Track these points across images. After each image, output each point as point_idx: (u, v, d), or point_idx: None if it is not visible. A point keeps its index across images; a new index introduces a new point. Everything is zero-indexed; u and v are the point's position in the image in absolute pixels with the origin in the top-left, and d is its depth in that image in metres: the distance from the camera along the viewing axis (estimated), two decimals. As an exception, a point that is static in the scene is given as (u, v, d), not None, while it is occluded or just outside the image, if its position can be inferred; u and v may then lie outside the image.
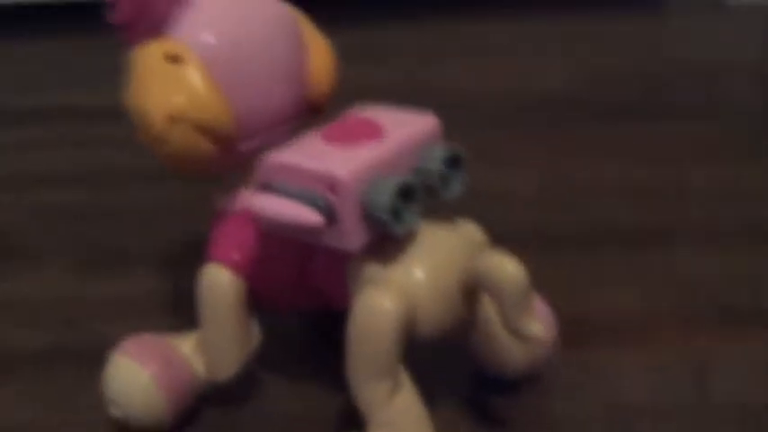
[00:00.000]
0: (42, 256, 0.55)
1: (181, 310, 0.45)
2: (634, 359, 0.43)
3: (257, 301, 0.39)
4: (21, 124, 0.78)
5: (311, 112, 0.39)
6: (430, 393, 0.38)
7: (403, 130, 0.35)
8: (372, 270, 0.34)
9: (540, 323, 0.34)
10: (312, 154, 0.34)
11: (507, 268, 0.33)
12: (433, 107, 0.77)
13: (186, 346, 0.40)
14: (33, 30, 0.91)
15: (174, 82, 0.35)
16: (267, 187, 0.34)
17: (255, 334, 0.39)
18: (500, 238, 0.52)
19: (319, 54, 0.39)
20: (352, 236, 0.33)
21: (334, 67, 0.40)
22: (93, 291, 0.50)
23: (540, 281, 0.47)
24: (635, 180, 0.62)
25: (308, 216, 0.32)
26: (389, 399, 0.33)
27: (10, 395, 0.42)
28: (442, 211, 0.37)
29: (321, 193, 0.32)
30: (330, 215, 0.32)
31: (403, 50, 0.93)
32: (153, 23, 0.36)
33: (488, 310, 0.37)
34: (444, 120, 0.68)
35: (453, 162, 0.36)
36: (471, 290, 0.35)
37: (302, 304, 0.40)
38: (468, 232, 0.37)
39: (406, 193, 0.33)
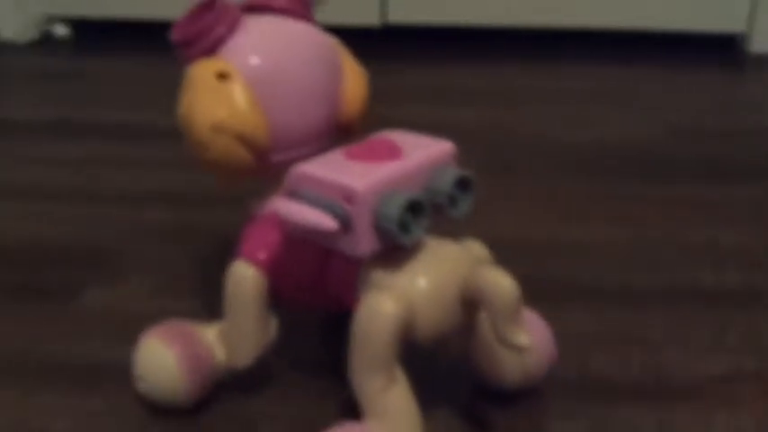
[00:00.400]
0: (133, 270, 0.58)
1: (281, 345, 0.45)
2: (710, 419, 0.43)
3: (278, 298, 0.43)
4: (123, 140, 0.81)
5: (342, 132, 0.43)
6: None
7: (419, 152, 0.39)
8: (380, 276, 0.38)
9: (527, 335, 0.37)
10: (335, 168, 0.38)
11: (499, 281, 0.36)
12: (514, 151, 0.80)
13: (210, 333, 0.44)
14: (143, 48, 0.95)
15: (220, 97, 0.39)
16: (293, 194, 0.38)
17: (274, 328, 0.43)
18: (576, 288, 0.55)
19: (353, 80, 0.43)
20: (364, 243, 0.37)
21: (365, 92, 0.44)
22: (175, 308, 0.49)
23: (618, 334, 0.50)
24: (720, 239, 0.61)
25: (325, 222, 0.36)
26: (384, 392, 0.37)
27: (96, 406, 0.45)
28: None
29: (339, 202, 0.36)
30: (345, 223, 0.36)
31: (490, 93, 0.96)
32: (208, 45, 0.40)
33: (487, 322, 0.40)
34: (525, 165, 0.69)
35: (463, 184, 0.39)
36: (470, 301, 0.38)
37: (319, 304, 0.44)
38: (472, 248, 0.40)
39: (414, 208, 0.37)
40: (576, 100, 0.93)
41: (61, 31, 1.16)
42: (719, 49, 1.09)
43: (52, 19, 1.16)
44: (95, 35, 1.14)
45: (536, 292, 0.54)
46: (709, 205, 0.67)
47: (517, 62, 1.06)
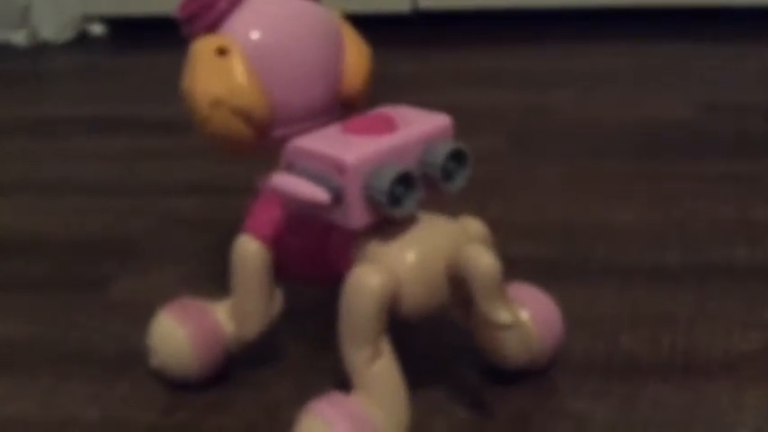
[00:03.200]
0: (164, 260, 0.59)
1: (290, 323, 0.46)
2: (741, 397, 0.42)
3: (282, 272, 0.43)
4: (157, 134, 0.83)
5: (345, 107, 0.44)
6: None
7: (414, 126, 0.39)
8: (371, 249, 0.38)
9: (511, 312, 0.36)
10: (329, 141, 0.38)
11: (480, 258, 0.36)
12: (546, 133, 0.79)
13: (221, 310, 0.45)
14: (165, 42, 0.98)
15: (220, 72, 0.40)
16: (290, 168, 0.39)
17: (280, 300, 0.44)
18: (607, 268, 0.54)
19: (355, 55, 0.43)
20: (357, 215, 0.37)
21: (368, 67, 0.44)
22: (204, 297, 0.48)
23: (649, 312, 0.49)
24: (754, 215, 0.60)
25: (317, 194, 0.37)
26: (369, 365, 0.37)
27: (126, 390, 0.46)
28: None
29: (331, 174, 0.37)
30: (337, 195, 0.37)
31: (521, 76, 0.95)
32: (210, 21, 0.41)
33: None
34: (555, 146, 0.69)
35: (458, 158, 0.39)
36: (459, 278, 0.38)
37: (322, 278, 0.44)
38: (467, 225, 0.40)
39: (405, 181, 0.37)
40: (606, 80, 0.92)
41: (97, 29, 1.19)
42: (757, 24, 1.06)
43: (89, 18, 1.19)
44: (130, 33, 1.17)
45: (567, 272, 0.55)
46: (743, 181, 0.66)
47: (548, 44, 1.05)
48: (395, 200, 0.37)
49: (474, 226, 0.40)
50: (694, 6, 1.05)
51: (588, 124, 0.79)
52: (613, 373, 0.45)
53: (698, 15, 1.06)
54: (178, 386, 0.45)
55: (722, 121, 0.78)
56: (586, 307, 0.50)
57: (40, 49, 1.17)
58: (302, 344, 0.48)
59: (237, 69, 0.40)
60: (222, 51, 0.40)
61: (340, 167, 0.36)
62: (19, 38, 1.18)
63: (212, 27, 0.41)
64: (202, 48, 0.41)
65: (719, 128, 0.77)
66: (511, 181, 0.69)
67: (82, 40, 1.19)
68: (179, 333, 0.43)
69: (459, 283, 0.38)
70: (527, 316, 0.42)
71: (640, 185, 0.66)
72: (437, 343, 0.47)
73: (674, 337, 0.47)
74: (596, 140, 0.76)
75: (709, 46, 1.01)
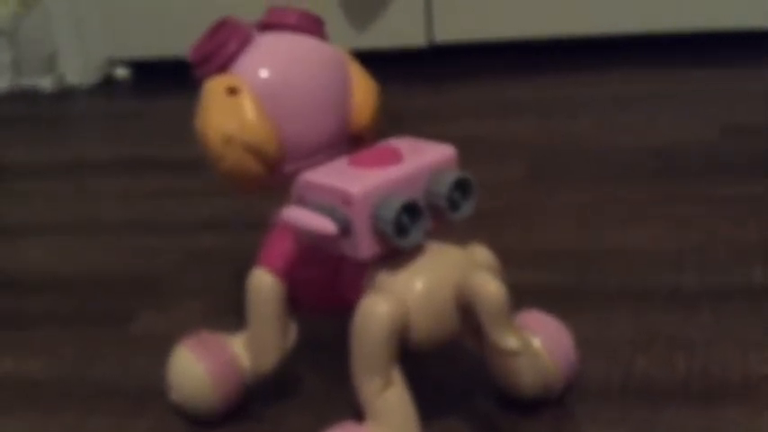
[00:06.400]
0: (187, 295, 0.60)
1: (306, 356, 0.47)
2: (759, 421, 0.42)
3: (296, 304, 0.44)
4: (177, 174, 0.84)
5: (353, 142, 0.45)
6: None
7: (419, 157, 0.40)
8: (380, 279, 0.39)
9: (518, 339, 0.37)
10: (336, 174, 0.39)
11: (487, 286, 0.36)
12: (562, 160, 0.80)
13: (237, 344, 0.45)
14: (188, 84, 1.00)
15: (231, 111, 0.41)
16: (300, 201, 0.40)
17: (294, 333, 0.45)
18: (623, 293, 0.55)
19: (362, 92, 0.45)
20: (365, 246, 0.38)
21: (375, 103, 0.45)
22: (226, 331, 0.48)
23: (665, 337, 0.49)
24: None
25: (325, 225, 0.38)
26: (380, 394, 0.38)
27: (147, 426, 0.47)
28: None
29: (339, 206, 0.38)
30: (345, 226, 0.38)
31: (538, 104, 0.96)
32: (220, 62, 0.42)
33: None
34: (571, 172, 0.68)
35: (463, 187, 0.40)
36: (467, 306, 0.38)
37: (335, 309, 0.45)
38: (474, 253, 0.40)
39: (411, 211, 0.38)
40: (621, 106, 0.92)
41: (122, 73, 1.22)
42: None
43: (113, 62, 1.22)
44: (153, 76, 1.20)
45: (583, 298, 0.55)
46: (760, 203, 0.66)
47: (562, 73, 1.06)
48: (401, 230, 0.38)
49: (481, 253, 0.41)
50: (708, 31, 1.05)
51: (605, 151, 0.80)
52: (630, 399, 0.45)
53: (712, 40, 1.06)
54: (198, 421, 0.45)
55: (739, 144, 0.78)
56: (602, 332, 0.50)
57: (66, 94, 1.20)
58: (319, 376, 0.49)
59: (248, 107, 0.41)
60: (233, 90, 0.41)
61: (347, 199, 0.37)
62: (46, 83, 1.21)
63: (223, 68, 0.43)
64: (214, 88, 0.42)
65: (736, 150, 0.77)
66: (527, 208, 0.69)
67: (107, 83, 1.22)
68: (197, 367, 0.44)
69: (468, 311, 0.38)
70: (539, 343, 0.43)
71: (657, 209, 0.66)
72: (451, 371, 0.48)
73: (691, 361, 0.47)
74: (613, 166, 0.76)
75: (724, 69, 1.00)
